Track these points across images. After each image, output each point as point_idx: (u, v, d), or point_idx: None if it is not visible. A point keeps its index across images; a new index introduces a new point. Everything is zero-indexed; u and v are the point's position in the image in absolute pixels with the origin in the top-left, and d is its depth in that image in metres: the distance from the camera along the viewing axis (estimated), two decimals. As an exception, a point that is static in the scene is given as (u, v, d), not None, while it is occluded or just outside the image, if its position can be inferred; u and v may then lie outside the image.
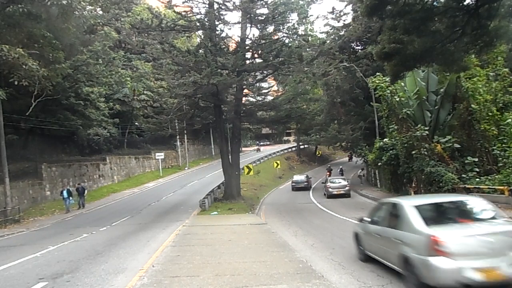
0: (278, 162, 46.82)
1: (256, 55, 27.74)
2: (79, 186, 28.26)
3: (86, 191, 28.53)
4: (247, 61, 27.39)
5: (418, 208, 6.98)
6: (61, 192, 26.51)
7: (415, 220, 6.71)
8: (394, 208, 7.75)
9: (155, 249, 11.03)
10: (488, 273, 5.79)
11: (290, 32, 27.65)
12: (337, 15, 36.20)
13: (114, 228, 17.97)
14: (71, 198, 26.13)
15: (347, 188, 28.14)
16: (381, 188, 29.26)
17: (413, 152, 20.53)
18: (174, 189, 35.60)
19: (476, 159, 19.52)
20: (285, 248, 10.34)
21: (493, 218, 6.87)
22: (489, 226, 6.61)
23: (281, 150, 63.25)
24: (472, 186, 17.37)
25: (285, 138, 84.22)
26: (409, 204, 7.24)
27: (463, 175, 18.68)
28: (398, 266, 6.96)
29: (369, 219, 8.73)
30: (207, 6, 26.27)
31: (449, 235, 6.18)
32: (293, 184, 37.44)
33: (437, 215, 7.16)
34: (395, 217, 7.45)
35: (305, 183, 36.57)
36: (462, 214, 7.02)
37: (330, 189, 28.55)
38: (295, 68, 26.36)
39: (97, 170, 36.79)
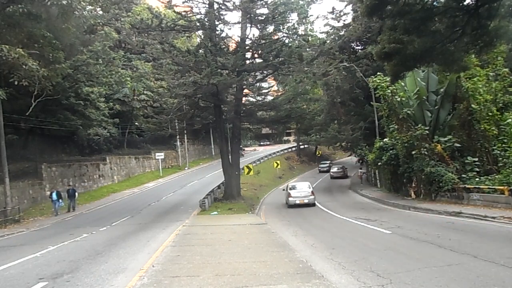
0: (278, 162, 46.82)
1: (256, 55, 27.75)
2: (69, 188, 27.02)
3: (77, 194, 27.29)
4: (247, 61, 27.40)
5: (290, 185, 26.27)
6: (50, 194, 25.25)
7: (288, 188, 25.80)
8: (287, 185, 26.79)
9: (155, 249, 11.02)
10: (301, 200, 23.96)
11: (290, 32, 27.66)
12: (337, 15, 36.20)
13: (114, 228, 17.97)
14: (60, 200, 24.92)
15: (343, 173, 45.25)
16: (381, 188, 29.27)
17: (413, 152, 20.54)
18: (174, 189, 35.61)
19: (476, 159, 19.53)
20: (285, 248, 10.33)
21: (308, 189, 24.89)
22: (304, 190, 24.81)
23: (281, 150, 63.24)
24: (472, 186, 17.38)
25: (285, 138, 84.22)
26: (287, 184, 29.04)
27: (463, 175, 18.70)
28: (286, 202, 25.09)
29: (284, 189, 26.66)
30: (207, 6, 26.29)
31: (293, 192, 24.58)
32: (319, 168, 53.81)
33: (293, 187, 25.54)
34: (287, 188, 25.97)
35: (327, 167, 51.23)
36: (297, 187, 25.78)
37: (333, 173, 46.31)
38: (295, 68, 26.38)
39: (97, 170, 36.79)
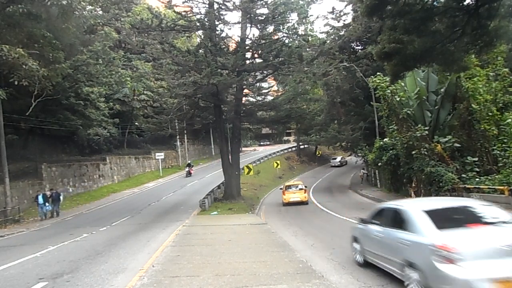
0: (278, 162, 46.81)
1: (256, 55, 27.75)
2: (53, 192, 24.47)
3: (61, 198, 24.99)
4: (247, 61, 27.40)
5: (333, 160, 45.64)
6: (36, 197, 23.43)
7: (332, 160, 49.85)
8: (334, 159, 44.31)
9: (155, 249, 11.02)
10: (335, 164, 43.10)
11: (290, 32, 27.67)
12: (337, 15, 36.23)
13: (114, 228, 17.97)
14: (47, 204, 23.26)
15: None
16: (381, 188, 29.26)
17: (413, 152, 20.52)
18: (174, 189, 35.61)
19: (476, 159, 19.51)
20: (285, 248, 10.34)
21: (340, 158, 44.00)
22: (337, 160, 50.05)
23: (281, 150, 63.20)
24: (472, 186, 17.37)
25: (285, 138, 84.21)
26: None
27: (463, 175, 18.67)
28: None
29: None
30: (207, 6, 26.28)
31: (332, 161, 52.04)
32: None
33: (334, 158, 44.75)
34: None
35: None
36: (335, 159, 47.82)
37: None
38: (295, 68, 26.37)
39: (97, 170, 36.79)
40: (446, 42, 13.43)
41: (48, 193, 24.36)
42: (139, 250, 11.43)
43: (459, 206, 7.25)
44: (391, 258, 6.89)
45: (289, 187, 26.36)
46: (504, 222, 6.20)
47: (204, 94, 26.65)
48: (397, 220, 6.93)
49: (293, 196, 24.75)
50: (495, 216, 6.45)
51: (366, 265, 8.13)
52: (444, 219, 6.27)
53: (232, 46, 29.11)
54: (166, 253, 10.09)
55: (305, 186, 26.91)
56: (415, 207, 6.90)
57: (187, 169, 44.18)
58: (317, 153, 64.43)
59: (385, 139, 25.30)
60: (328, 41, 32.80)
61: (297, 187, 26.08)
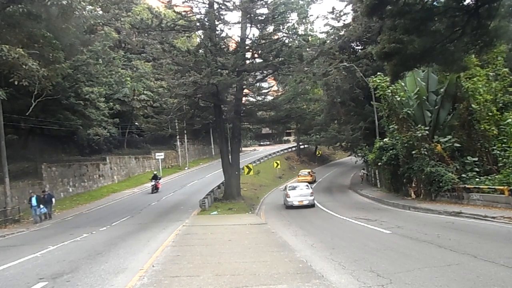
0: (278, 162, 46.80)
1: (256, 55, 27.76)
2: (45, 194, 23.58)
3: (54, 200, 24.18)
4: (247, 61, 27.42)
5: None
6: (29, 199, 22.43)
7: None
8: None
9: (155, 249, 11.02)
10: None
11: (290, 32, 27.71)
12: (337, 15, 36.22)
13: (114, 228, 17.97)
14: (41, 206, 22.22)
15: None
16: (381, 188, 29.26)
17: (413, 152, 20.53)
18: (174, 189, 35.61)
19: (476, 159, 19.53)
20: (285, 248, 10.33)
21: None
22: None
23: (281, 150, 63.21)
24: (472, 186, 17.38)
25: (285, 138, 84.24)
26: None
27: (463, 175, 18.69)
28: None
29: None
30: (207, 6, 26.30)
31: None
32: None
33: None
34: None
35: None
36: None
37: None
38: (295, 68, 26.40)
39: (97, 170, 36.80)
40: (446, 42, 13.43)
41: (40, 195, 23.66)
42: (139, 250, 11.43)
43: (294, 184, 27.15)
44: (283, 199, 24.59)
45: (301, 173, 42.00)
46: (306, 188, 24.28)
47: (204, 94, 26.67)
48: (285, 188, 25.79)
49: (303, 179, 37.28)
50: (305, 187, 24.75)
51: (287, 207, 23.42)
52: (290, 188, 24.56)
53: (232, 46, 29.12)
54: (166, 253, 10.08)
55: (314, 172, 43.53)
56: (288, 185, 26.63)
57: (153, 182, 34.49)
58: (317, 153, 64.42)
59: (385, 139, 25.30)
60: (328, 41, 32.83)
61: (307, 173, 41.72)
